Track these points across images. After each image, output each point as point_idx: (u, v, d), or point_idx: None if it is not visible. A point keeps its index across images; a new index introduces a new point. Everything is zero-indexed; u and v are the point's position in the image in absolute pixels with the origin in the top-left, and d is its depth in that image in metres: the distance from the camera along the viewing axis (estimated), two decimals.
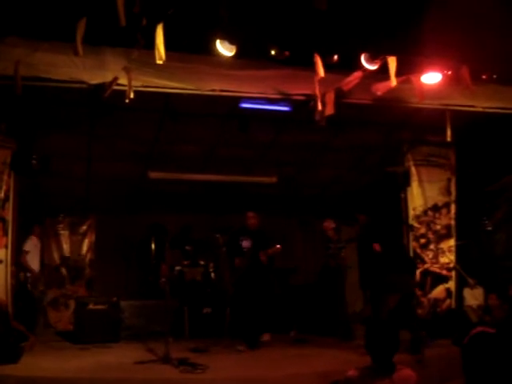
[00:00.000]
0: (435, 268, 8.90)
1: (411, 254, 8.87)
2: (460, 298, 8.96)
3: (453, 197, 9.13)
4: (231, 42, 6.33)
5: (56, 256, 11.35)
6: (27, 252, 8.91)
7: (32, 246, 9.11)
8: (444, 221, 9.08)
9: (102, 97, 6.33)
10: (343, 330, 8.54)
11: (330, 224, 9.19)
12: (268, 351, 7.50)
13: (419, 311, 8.65)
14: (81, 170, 9.37)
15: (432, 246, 8.96)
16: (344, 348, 7.53)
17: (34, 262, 9.08)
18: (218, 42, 6.33)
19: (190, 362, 6.34)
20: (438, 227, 9.01)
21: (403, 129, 8.89)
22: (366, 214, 8.36)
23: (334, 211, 10.00)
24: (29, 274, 8.87)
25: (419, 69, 6.97)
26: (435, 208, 9.07)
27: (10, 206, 7.45)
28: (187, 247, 9.64)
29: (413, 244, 8.98)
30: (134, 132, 8.37)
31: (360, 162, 10.12)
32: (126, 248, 10.77)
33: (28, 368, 6.08)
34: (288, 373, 6.07)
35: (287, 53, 6.65)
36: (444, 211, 9.09)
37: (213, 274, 9.53)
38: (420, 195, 9.07)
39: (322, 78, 6.45)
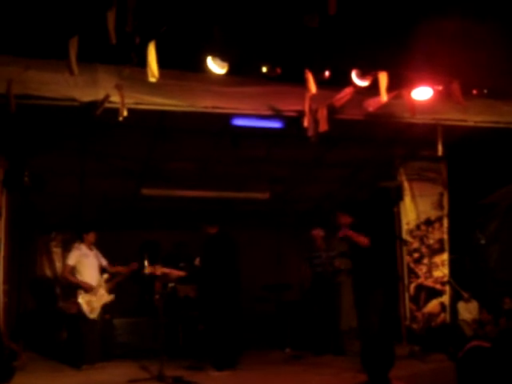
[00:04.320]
0: (429, 282, 8.91)
1: (405, 268, 8.89)
2: (454, 312, 8.96)
3: (445, 211, 9.16)
4: (223, 59, 6.35)
5: (49, 273, 11.31)
6: (70, 265, 8.00)
7: (80, 256, 8.11)
8: (437, 235, 9.11)
9: (94, 114, 6.33)
10: (335, 345, 8.51)
11: (319, 232, 9.12)
12: (263, 368, 7.44)
13: (414, 326, 8.66)
14: (73, 186, 9.35)
15: (425, 261, 8.98)
16: (339, 364, 7.49)
17: (85, 273, 8.05)
18: (209, 59, 6.35)
19: (185, 379, 6.28)
20: (431, 241, 9.04)
21: (395, 144, 8.91)
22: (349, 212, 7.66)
23: (328, 226, 9.95)
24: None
25: (410, 84, 7.01)
26: (428, 222, 9.11)
27: (2, 223, 7.42)
28: (181, 264, 9.58)
29: (406, 258, 9.00)
30: (126, 149, 8.36)
31: (353, 177, 10.15)
32: (119, 265, 10.70)
33: None
34: None
35: (279, 69, 6.68)
36: (437, 225, 9.12)
37: None
38: (413, 210, 9.11)
39: (314, 95, 6.48)
